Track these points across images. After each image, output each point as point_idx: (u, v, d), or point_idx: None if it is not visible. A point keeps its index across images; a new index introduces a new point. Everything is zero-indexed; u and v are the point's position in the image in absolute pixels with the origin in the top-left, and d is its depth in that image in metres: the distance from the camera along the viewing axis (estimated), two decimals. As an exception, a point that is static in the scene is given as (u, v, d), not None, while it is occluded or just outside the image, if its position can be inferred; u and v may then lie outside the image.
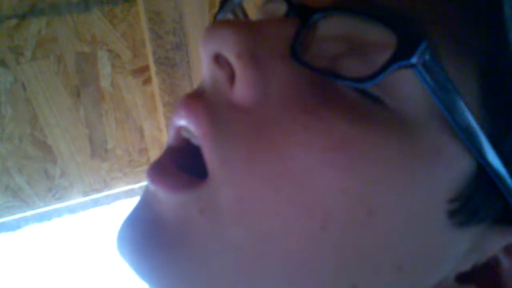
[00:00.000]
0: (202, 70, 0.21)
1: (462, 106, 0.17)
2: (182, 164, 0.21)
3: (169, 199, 0.20)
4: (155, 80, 0.85)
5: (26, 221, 0.89)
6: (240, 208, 0.18)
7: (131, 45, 0.84)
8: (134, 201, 0.96)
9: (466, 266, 0.21)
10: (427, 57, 0.16)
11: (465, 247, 0.21)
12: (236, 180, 0.19)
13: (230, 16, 0.24)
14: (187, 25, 0.82)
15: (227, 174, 0.19)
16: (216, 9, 0.84)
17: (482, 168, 0.19)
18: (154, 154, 0.94)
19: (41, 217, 0.90)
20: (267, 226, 0.18)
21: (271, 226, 0.18)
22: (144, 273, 0.20)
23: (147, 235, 0.20)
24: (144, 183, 0.93)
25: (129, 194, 0.94)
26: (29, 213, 0.88)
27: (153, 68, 0.84)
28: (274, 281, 0.19)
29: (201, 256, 0.19)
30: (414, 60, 0.16)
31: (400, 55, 0.16)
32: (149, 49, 0.83)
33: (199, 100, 0.20)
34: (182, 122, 0.20)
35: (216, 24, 0.19)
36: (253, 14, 0.25)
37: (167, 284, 0.20)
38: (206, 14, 0.83)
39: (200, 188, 0.19)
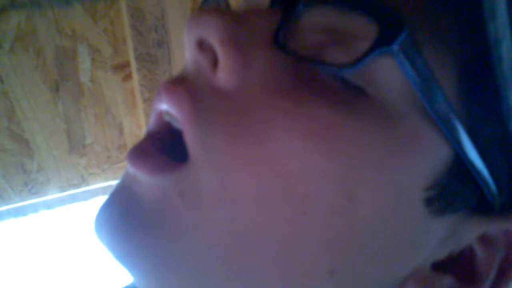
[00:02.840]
0: (186, 56, 0.21)
1: (440, 95, 0.17)
2: (163, 148, 0.21)
3: (148, 181, 0.20)
4: (135, 76, 0.84)
5: (1, 216, 0.87)
6: (221, 192, 0.18)
7: (112, 41, 0.84)
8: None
9: (441, 255, 0.22)
10: (407, 45, 0.17)
11: (441, 236, 0.21)
12: (217, 164, 0.19)
13: None
14: (169, 22, 0.81)
15: (208, 158, 0.19)
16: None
17: (459, 158, 0.19)
18: (133, 151, 0.92)
19: (17, 212, 0.89)
20: (248, 210, 0.18)
21: (252, 210, 0.18)
22: (120, 256, 0.20)
23: (123, 215, 0.20)
24: (123, 180, 0.92)
25: (107, 190, 0.92)
26: (4, 207, 0.86)
27: (133, 65, 0.83)
28: (255, 265, 0.19)
29: (178, 240, 0.19)
30: (394, 47, 0.17)
31: (381, 42, 0.17)
32: (130, 45, 0.82)
33: (181, 84, 0.20)
34: (163, 106, 0.20)
35: (201, 11, 0.19)
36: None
37: (144, 268, 0.20)
38: (188, 12, 0.83)
39: (180, 171, 0.19)
